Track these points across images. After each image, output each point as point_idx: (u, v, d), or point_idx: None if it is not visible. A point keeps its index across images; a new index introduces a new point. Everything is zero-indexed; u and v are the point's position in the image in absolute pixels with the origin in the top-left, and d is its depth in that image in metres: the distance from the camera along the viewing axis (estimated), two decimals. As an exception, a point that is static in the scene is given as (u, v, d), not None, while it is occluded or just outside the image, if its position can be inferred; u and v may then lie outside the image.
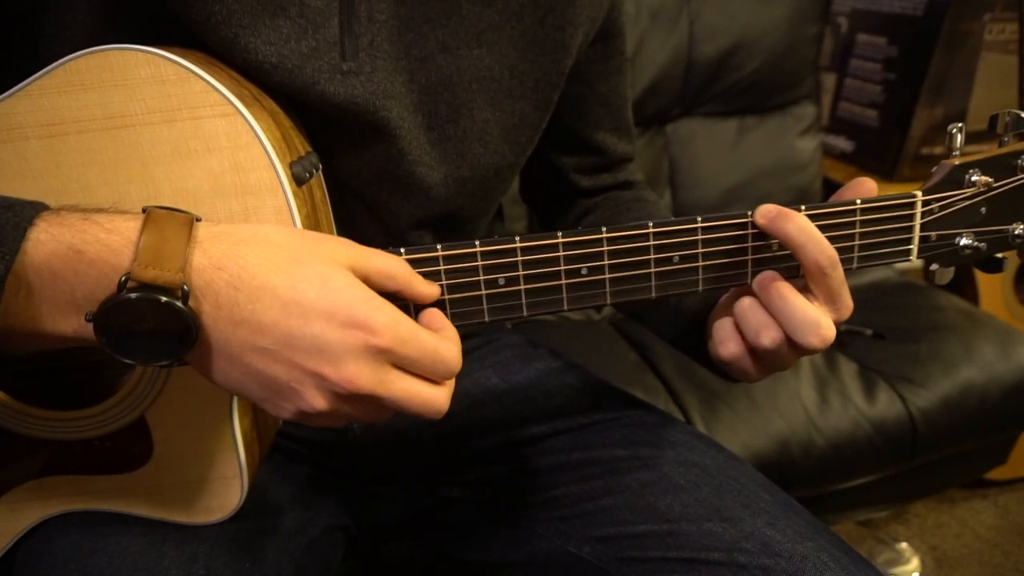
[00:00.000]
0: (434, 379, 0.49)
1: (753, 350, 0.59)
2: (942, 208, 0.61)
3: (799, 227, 0.55)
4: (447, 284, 0.54)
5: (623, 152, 0.89)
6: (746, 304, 0.59)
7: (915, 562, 1.61)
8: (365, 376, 0.45)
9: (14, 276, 0.43)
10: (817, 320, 0.55)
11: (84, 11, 0.58)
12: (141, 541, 0.59)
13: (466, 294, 0.54)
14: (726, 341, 0.60)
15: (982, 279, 1.72)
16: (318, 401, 0.46)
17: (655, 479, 0.70)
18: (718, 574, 0.62)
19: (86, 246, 0.44)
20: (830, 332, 0.56)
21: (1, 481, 0.61)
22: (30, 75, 0.52)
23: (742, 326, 0.59)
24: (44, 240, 0.44)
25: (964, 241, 0.62)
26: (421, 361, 0.48)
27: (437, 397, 0.49)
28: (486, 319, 0.55)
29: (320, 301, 0.45)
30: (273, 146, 0.53)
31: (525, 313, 0.56)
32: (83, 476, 0.60)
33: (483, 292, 0.55)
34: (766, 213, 0.57)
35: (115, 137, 0.52)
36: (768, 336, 0.57)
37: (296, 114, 0.63)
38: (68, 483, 0.60)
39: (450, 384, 0.50)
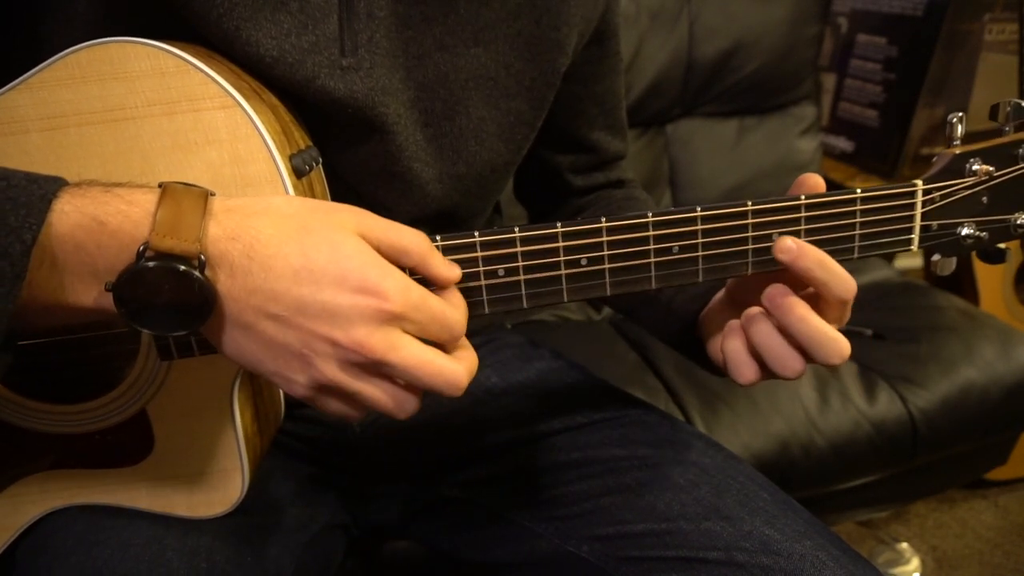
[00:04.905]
0: (440, 344, 0.49)
1: (769, 371, 0.59)
2: (943, 197, 0.61)
3: (822, 265, 0.56)
4: None
5: (616, 151, 0.90)
6: (766, 333, 0.58)
7: (915, 562, 1.61)
8: (376, 340, 0.46)
9: (39, 247, 0.44)
10: (839, 340, 0.56)
11: (85, 4, 0.58)
12: (143, 534, 0.59)
13: (465, 285, 0.54)
14: (743, 370, 0.60)
15: (982, 279, 1.72)
16: (329, 368, 0.46)
17: (654, 478, 0.70)
18: (717, 573, 0.62)
19: (108, 217, 0.45)
20: (848, 349, 0.56)
21: (3, 475, 0.61)
22: (31, 68, 0.52)
23: (766, 357, 0.59)
24: (68, 212, 0.44)
25: (966, 231, 0.62)
26: (430, 326, 0.48)
27: (455, 371, 0.48)
28: (486, 311, 0.55)
29: (331, 267, 0.45)
30: (273, 138, 0.53)
31: (525, 305, 0.56)
32: (85, 470, 0.60)
33: (483, 283, 0.55)
34: (788, 250, 0.56)
35: (115, 130, 0.53)
36: (794, 369, 0.58)
37: (296, 109, 0.63)
38: (70, 477, 0.61)
39: (469, 361, 0.50)
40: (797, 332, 0.56)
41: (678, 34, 1.59)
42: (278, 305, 0.45)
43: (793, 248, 0.56)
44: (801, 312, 0.56)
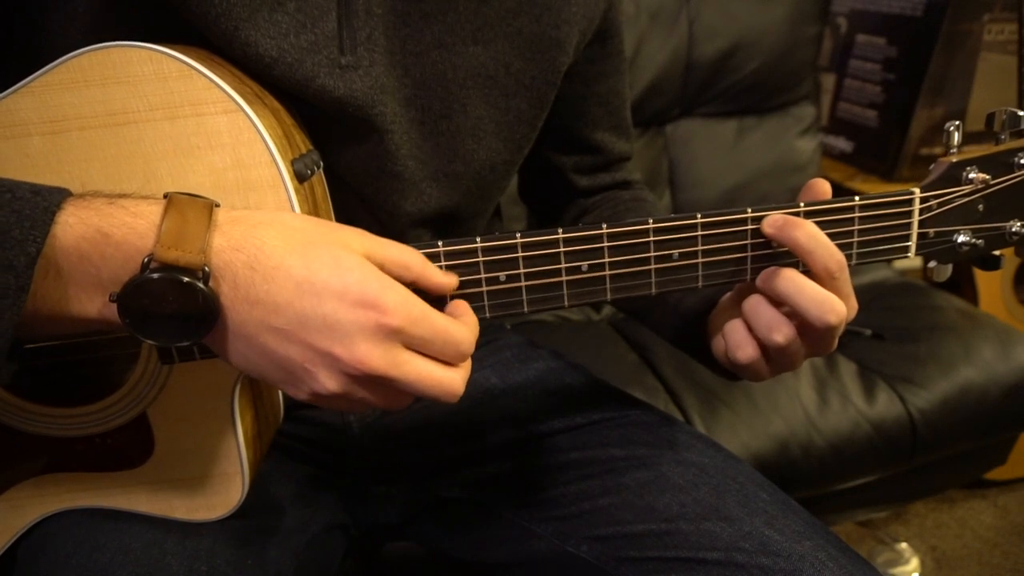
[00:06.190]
0: (447, 361, 0.49)
1: (766, 349, 0.59)
2: (940, 205, 0.61)
3: (808, 234, 0.56)
4: None
5: (621, 151, 0.90)
6: (754, 302, 0.59)
7: (915, 562, 1.61)
8: (377, 356, 0.46)
9: (44, 259, 0.44)
10: (830, 297, 0.55)
11: (84, 7, 0.58)
12: (143, 538, 0.59)
13: (467, 291, 0.55)
14: (742, 345, 0.60)
15: (981, 279, 1.72)
16: (331, 383, 0.47)
17: (653, 479, 0.70)
18: (716, 573, 0.62)
19: (113, 229, 0.45)
20: (843, 308, 0.56)
21: (3, 478, 0.61)
22: (31, 72, 0.52)
23: (753, 325, 0.59)
24: (72, 223, 0.45)
25: (962, 238, 0.63)
26: (433, 342, 0.48)
27: (452, 380, 0.49)
28: (487, 315, 0.56)
29: (333, 281, 0.46)
30: (275, 143, 0.53)
31: (526, 309, 0.56)
32: (85, 473, 0.60)
33: (484, 289, 0.55)
34: (774, 223, 0.57)
35: (117, 134, 0.53)
36: (781, 333, 0.57)
37: (297, 112, 0.63)
38: (69, 480, 0.61)
39: (465, 368, 0.50)
40: (785, 291, 0.56)
41: (678, 34, 1.59)
42: (280, 318, 0.46)
43: (779, 220, 0.57)
44: (788, 273, 0.57)
